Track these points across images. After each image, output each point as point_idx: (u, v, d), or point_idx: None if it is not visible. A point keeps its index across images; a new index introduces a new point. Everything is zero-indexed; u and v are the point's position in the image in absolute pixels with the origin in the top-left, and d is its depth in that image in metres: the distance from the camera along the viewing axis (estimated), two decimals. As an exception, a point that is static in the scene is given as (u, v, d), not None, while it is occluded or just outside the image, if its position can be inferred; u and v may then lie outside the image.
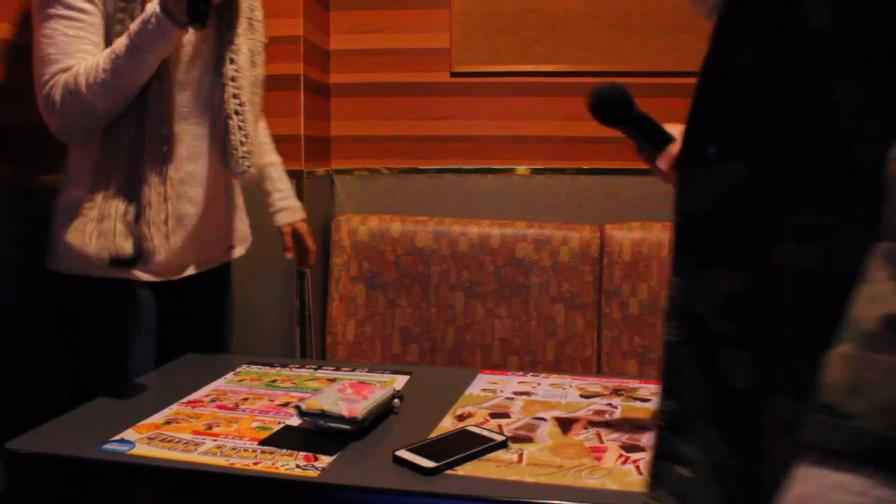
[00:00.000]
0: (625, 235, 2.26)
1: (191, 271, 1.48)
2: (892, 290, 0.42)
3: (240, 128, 1.39)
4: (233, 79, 1.39)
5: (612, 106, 0.98)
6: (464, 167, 2.47)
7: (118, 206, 1.27)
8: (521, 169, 2.45)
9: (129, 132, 1.29)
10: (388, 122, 2.52)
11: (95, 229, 1.25)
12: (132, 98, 1.28)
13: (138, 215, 1.27)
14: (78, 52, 1.26)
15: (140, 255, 1.26)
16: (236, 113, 1.38)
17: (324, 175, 2.44)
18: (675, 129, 1.00)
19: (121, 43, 1.23)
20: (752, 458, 0.60)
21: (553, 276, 2.28)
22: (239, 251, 1.61)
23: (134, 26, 1.23)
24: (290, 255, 1.70)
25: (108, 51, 1.25)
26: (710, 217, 0.65)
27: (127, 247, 1.25)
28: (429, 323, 2.30)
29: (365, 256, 2.31)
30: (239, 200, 1.61)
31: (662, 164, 0.99)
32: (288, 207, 1.69)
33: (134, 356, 1.41)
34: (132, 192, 1.28)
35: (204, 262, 1.51)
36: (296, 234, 1.70)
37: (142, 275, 1.38)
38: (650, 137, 0.99)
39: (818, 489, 0.41)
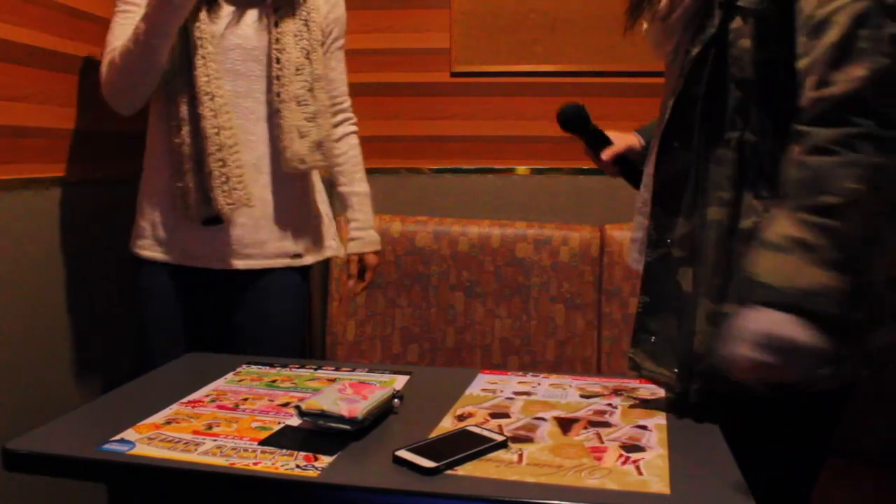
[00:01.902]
0: (625, 235, 2.25)
1: (240, 264, 1.54)
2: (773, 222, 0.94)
3: (279, 125, 1.49)
4: (277, 77, 1.48)
5: (576, 119, 1.31)
6: (464, 167, 2.47)
7: (190, 181, 1.46)
8: (521, 169, 2.45)
9: (184, 110, 1.45)
10: (388, 122, 2.52)
11: (181, 206, 1.48)
12: (160, 64, 1.42)
13: (202, 183, 1.45)
14: (126, 36, 1.43)
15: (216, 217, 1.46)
16: (277, 111, 1.49)
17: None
18: (613, 135, 1.31)
19: (143, 15, 1.39)
20: (687, 335, 1.06)
21: (553, 276, 2.28)
22: (308, 259, 1.65)
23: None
24: (350, 283, 1.79)
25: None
26: (673, 184, 1.10)
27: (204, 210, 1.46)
28: (429, 323, 2.30)
29: (365, 256, 2.31)
30: (316, 208, 1.66)
31: (605, 158, 1.30)
32: (360, 238, 1.77)
33: (158, 337, 1.56)
34: (197, 154, 1.45)
35: (253, 255, 1.56)
36: (362, 265, 1.78)
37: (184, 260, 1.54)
38: (599, 142, 1.31)
39: (755, 318, 0.89)
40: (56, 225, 1.61)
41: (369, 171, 2.58)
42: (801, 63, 0.94)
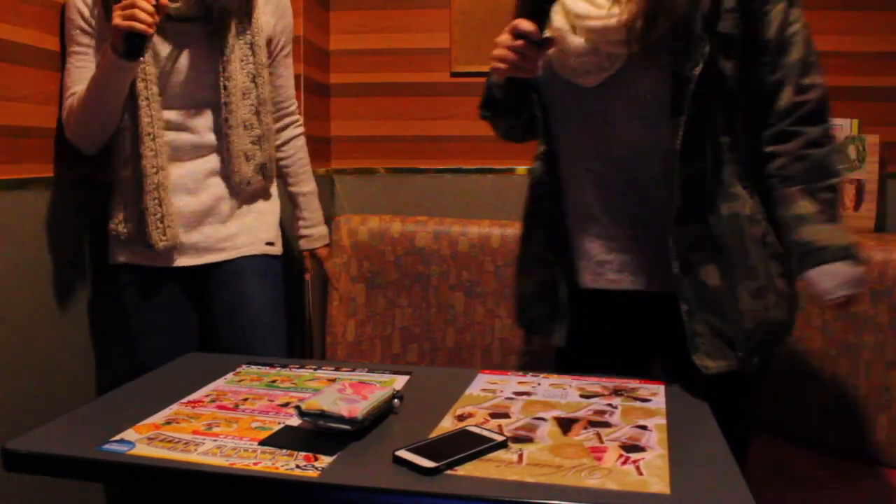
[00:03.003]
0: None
1: (190, 262, 1.62)
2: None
3: (227, 149, 1.59)
4: (224, 104, 1.57)
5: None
6: (464, 167, 2.47)
7: (130, 210, 1.56)
8: (521, 169, 2.45)
9: (128, 146, 1.54)
10: (388, 122, 2.52)
11: (121, 223, 1.57)
12: (115, 115, 1.52)
13: (141, 216, 1.54)
14: (83, 79, 1.51)
15: (147, 242, 1.54)
16: (225, 135, 1.59)
17: (324, 175, 2.44)
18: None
19: (94, 73, 1.49)
20: (737, 319, 1.25)
21: (553, 276, 2.27)
22: (278, 248, 1.75)
23: (99, 60, 1.48)
24: (307, 276, 1.92)
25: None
26: (691, 194, 1.25)
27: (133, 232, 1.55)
28: (429, 323, 2.30)
29: (365, 256, 2.31)
30: (265, 206, 1.73)
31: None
32: (308, 235, 1.90)
33: (142, 339, 1.65)
34: (138, 190, 1.54)
35: (226, 248, 1.65)
36: (315, 260, 1.93)
37: (142, 260, 1.61)
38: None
39: (833, 270, 1.21)
40: (55, 225, 1.61)
41: (370, 171, 2.58)
42: (775, 76, 1.24)
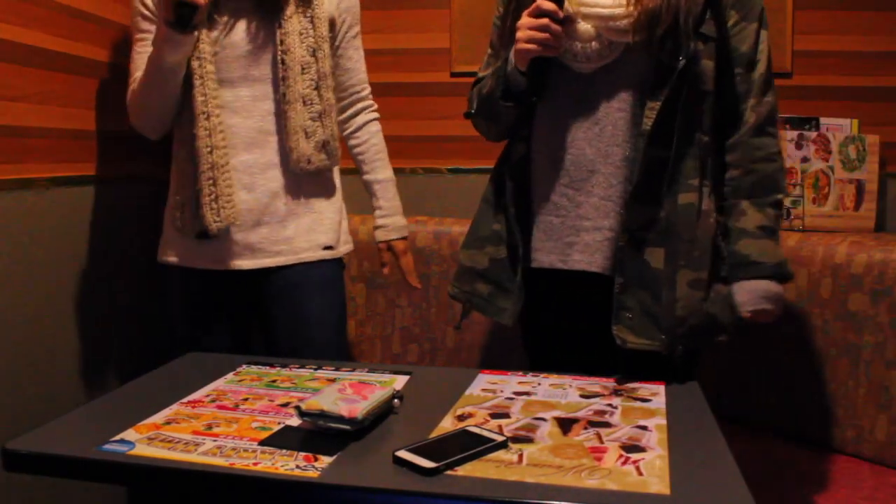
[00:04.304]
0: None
1: (247, 264, 1.56)
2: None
3: (285, 125, 1.52)
4: (283, 79, 1.51)
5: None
6: (464, 167, 2.47)
7: (186, 194, 1.52)
8: (521, 169, 2.44)
9: (186, 129, 1.51)
10: (388, 122, 2.51)
11: (178, 218, 1.54)
12: (173, 93, 1.49)
13: (196, 198, 1.50)
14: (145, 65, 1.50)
15: (205, 233, 1.50)
16: (284, 111, 1.52)
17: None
18: None
19: (150, 53, 1.46)
20: (669, 304, 1.29)
21: (553, 276, 2.27)
22: (341, 250, 1.67)
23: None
24: (385, 271, 1.78)
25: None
26: (649, 177, 1.30)
27: (196, 226, 1.51)
28: (429, 323, 2.30)
29: (365, 256, 2.31)
30: (339, 202, 1.68)
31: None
32: (384, 226, 1.76)
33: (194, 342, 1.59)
34: (193, 172, 1.50)
35: (283, 251, 1.58)
36: (392, 253, 1.77)
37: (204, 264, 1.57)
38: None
39: (756, 286, 1.31)
40: (56, 225, 1.61)
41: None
42: (739, 88, 1.34)
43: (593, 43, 1.30)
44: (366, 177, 1.76)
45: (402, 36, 2.45)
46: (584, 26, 1.30)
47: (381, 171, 1.76)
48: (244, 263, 1.56)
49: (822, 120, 2.14)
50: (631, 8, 1.26)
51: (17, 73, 1.49)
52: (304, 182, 1.59)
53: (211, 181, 1.48)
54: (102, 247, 1.72)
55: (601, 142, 1.34)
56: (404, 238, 1.79)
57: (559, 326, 1.48)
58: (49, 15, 1.57)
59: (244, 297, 1.63)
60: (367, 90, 1.77)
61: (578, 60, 1.32)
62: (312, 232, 1.61)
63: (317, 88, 1.54)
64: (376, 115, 1.79)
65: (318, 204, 1.63)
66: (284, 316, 1.60)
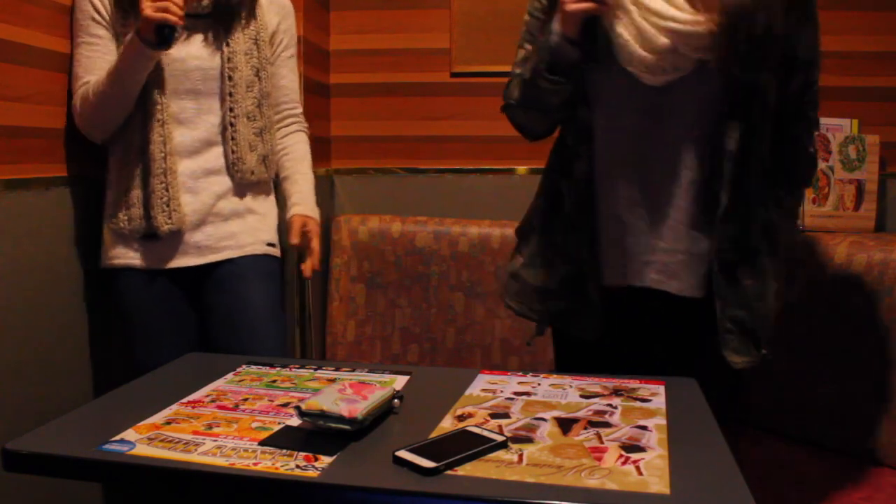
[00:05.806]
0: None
1: (193, 262, 1.62)
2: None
3: (232, 138, 1.61)
4: (230, 94, 1.60)
5: None
6: (464, 167, 2.47)
7: (135, 196, 1.56)
8: (521, 169, 2.45)
9: (137, 134, 1.56)
10: (388, 122, 2.52)
11: (124, 213, 1.57)
12: (132, 102, 1.54)
13: (147, 200, 1.55)
14: (96, 68, 1.55)
15: (154, 233, 1.55)
16: (230, 125, 1.61)
17: (324, 175, 2.44)
18: None
19: (115, 62, 1.50)
20: (764, 317, 1.35)
21: (553, 276, 2.27)
22: (253, 249, 1.69)
23: (122, 48, 1.49)
24: (295, 241, 1.71)
25: (109, 67, 1.51)
26: (737, 199, 1.31)
27: (144, 226, 1.55)
28: (429, 323, 2.30)
29: (365, 256, 2.31)
30: (266, 206, 1.73)
31: None
32: (301, 203, 1.75)
33: (141, 341, 1.64)
34: (144, 176, 1.55)
35: (229, 246, 1.65)
36: (305, 233, 1.73)
37: (142, 263, 1.60)
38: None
39: None
40: (56, 225, 1.61)
41: (370, 172, 2.58)
42: (794, 131, 1.35)
43: (668, 56, 1.25)
44: (285, 172, 1.77)
45: (402, 36, 2.46)
46: (662, 40, 1.24)
47: (303, 170, 1.79)
48: (191, 261, 1.62)
49: (822, 120, 2.14)
50: (709, 25, 1.21)
51: (17, 73, 1.49)
52: (245, 188, 1.67)
53: (164, 185, 1.55)
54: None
55: (671, 161, 1.32)
56: (316, 220, 1.76)
57: (602, 342, 1.44)
58: (49, 15, 1.57)
59: (186, 293, 1.67)
60: (299, 108, 1.83)
61: (650, 71, 1.27)
62: (257, 231, 1.69)
63: (259, 106, 1.64)
64: (306, 130, 1.85)
65: (260, 207, 1.71)
66: (225, 302, 1.64)
